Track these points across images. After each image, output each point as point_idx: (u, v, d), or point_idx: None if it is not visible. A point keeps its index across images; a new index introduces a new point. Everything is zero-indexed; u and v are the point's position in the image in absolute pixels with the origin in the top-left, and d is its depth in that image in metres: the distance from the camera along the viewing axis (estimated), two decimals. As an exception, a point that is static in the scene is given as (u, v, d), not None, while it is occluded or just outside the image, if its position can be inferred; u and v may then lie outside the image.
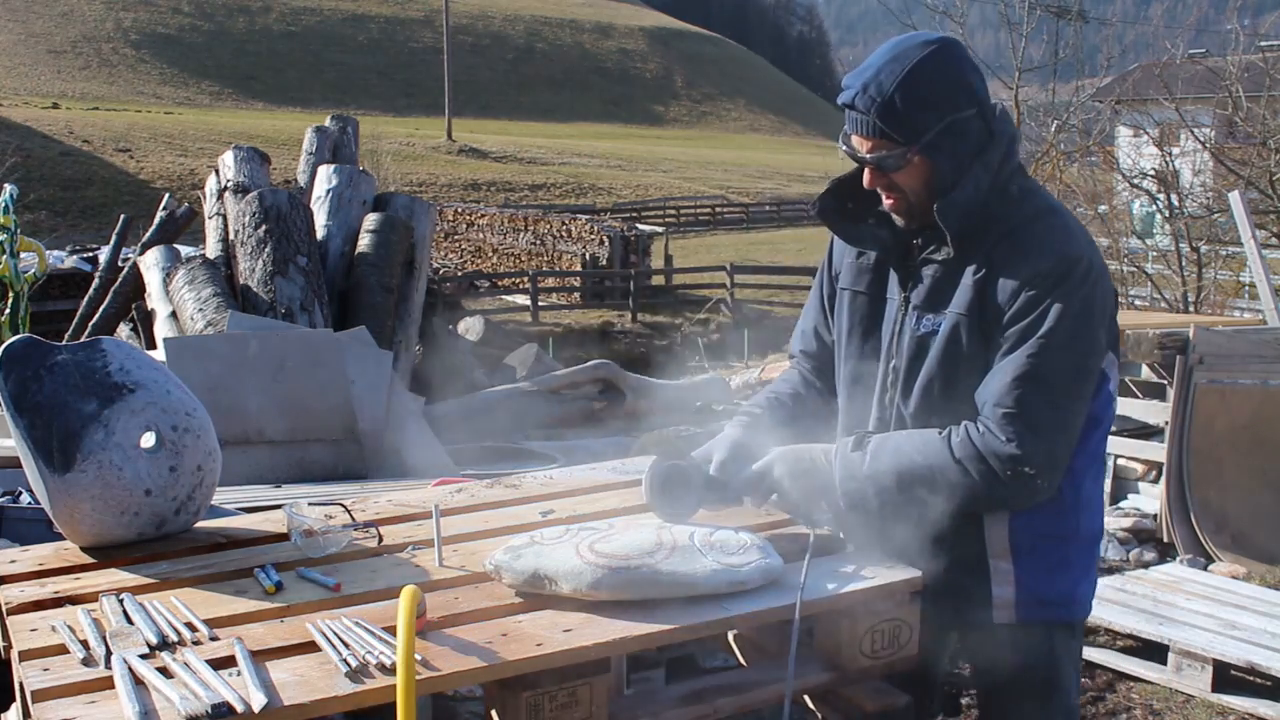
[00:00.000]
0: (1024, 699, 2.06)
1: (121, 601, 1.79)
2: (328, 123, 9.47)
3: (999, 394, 1.88)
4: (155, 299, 7.72)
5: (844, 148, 2.00)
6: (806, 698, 1.98)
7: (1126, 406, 5.90)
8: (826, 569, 1.96)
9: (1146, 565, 5.23)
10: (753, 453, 2.10)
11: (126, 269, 8.69)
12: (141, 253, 8.52)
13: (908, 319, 2.03)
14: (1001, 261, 1.92)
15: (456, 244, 26.36)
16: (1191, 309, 10.88)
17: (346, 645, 1.62)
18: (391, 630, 1.61)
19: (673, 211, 36.80)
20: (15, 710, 1.77)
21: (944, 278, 1.98)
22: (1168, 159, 12.20)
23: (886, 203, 2.01)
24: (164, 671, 1.55)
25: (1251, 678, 3.91)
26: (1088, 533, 2.06)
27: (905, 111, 1.89)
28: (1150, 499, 5.75)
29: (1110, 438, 6.42)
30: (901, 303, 2.05)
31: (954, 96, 1.93)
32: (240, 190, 8.16)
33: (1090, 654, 4.27)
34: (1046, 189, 2.11)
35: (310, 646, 1.65)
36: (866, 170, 1.99)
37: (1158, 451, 5.63)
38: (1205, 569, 5.08)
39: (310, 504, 2.21)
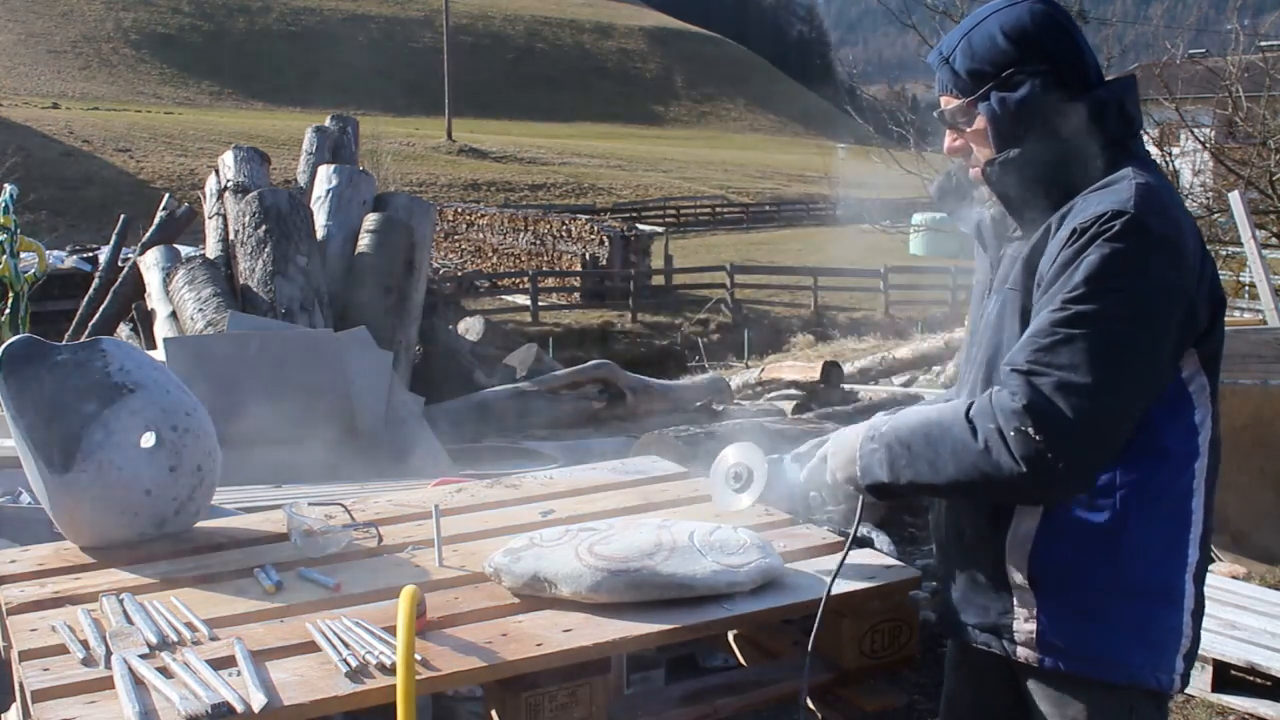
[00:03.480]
0: None
1: (121, 601, 1.79)
2: (328, 123, 9.47)
3: (1013, 352, 1.66)
4: (155, 299, 7.73)
5: (936, 114, 1.93)
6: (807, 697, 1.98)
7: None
8: (825, 569, 1.96)
9: (1146, 565, 5.22)
10: None
11: (126, 269, 8.69)
12: (141, 253, 8.52)
13: (990, 301, 1.88)
14: (1053, 232, 1.72)
15: (456, 244, 26.37)
16: (1192, 309, 10.85)
17: (346, 645, 1.62)
18: (391, 630, 1.61)
19: (673, 211, 36.81)
20: (15, 710, 1.77)
21: (1016, 257, 1.81)
22: (1168, 159, 12.19)
23: (971, 172, 1.90)
24: (164, 671, 1.55)
25: (1251, 678, 3.91)
26: (1137, 587, 1.72)
27: (964, 62, 1.82)
28: (1150, 499, 5.74)
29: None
30: (990, 284, 1.92)
31: (1019, 50, 1.77)
32: (240, 190, 8.16)
33: (1090, 654, 4.26)
34: (1156, 164, 1.84)
35: (310, 646, 1.65)
36: (946, 134, 1.91)
37: (1158, 451, 5.62)
38: (1205, 569, 5.08)
39: (310, 504, 2.21)
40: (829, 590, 1.83)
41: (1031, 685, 1.80)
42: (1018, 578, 1.76)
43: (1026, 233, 1.80)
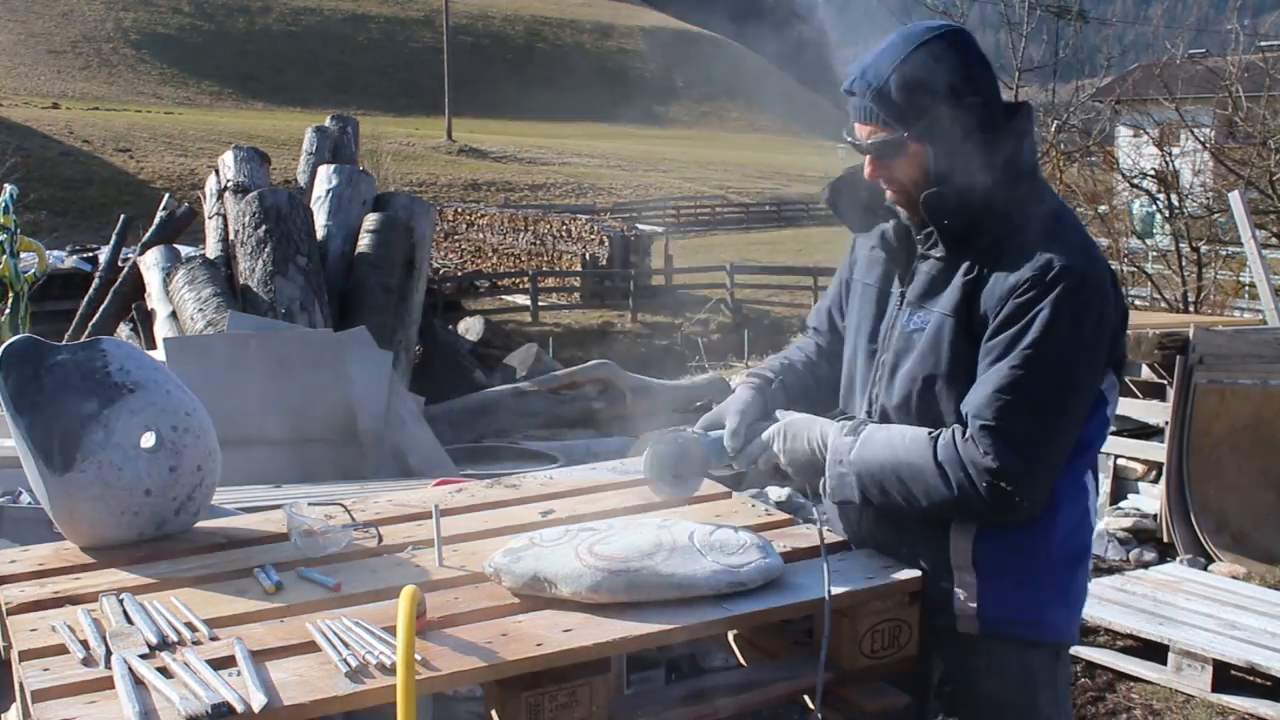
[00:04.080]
0: (999, 716, 1.97)
1: (121, 601, 1.79)
2: (328, 123, 9.47)
3: (980, 405, 1.83)
4: (155, 299, 7.73)
5: (847, 138, 1.98)
6: (806, 697, 1.98)
7: (1126, 406, 5.89)
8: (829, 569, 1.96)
9: (1146, 565, 5.23)
10: (761, 417, 2.12)
11: (126, 269, 8.69)
12: (141, 253, 8.52)
13: (900, 314, 2.01)
14: (993, 264, 1.87)
15: (456, 244, 26.36)
16: (1191, 309, 10.87)
17: (346, 645, 1.62)
18: (391, 630, 1.60)
19: (673, 211, 36.78)
20: (15, 710, 1.77)
21: (937, 275, 1.95)
22: (1168, 159, 12.19)
23: (889, 195, 1.99)
24: (164, 671, 1.55)
25: (1251, 678, 3.91)
26: (1062, 556, 1.97)
27: (901, 95, 1.86)
28: (1150, 499, 5.75)
29: (1110, 438, 6.37)
30: (898, 297, 2.03)
31: (954, 83, 1.86)
32: (240, 190, 8.16)
33: (1090, 654, 4.27)
34: (1057, 194, 2.04)
35: (310, 646, 1.65)
36: (867, 160, 1.97)
37: (1158, 451, 5.63)
38: (1205, 569, 5.08)
39: (310, 504, 2.21)
40: (828, 594, 1.84)
41: (966, 651, 1.97)
42: (961, 562, 1.95)
43: (955, 255, 1.92)
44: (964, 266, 1.90)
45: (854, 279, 2.16)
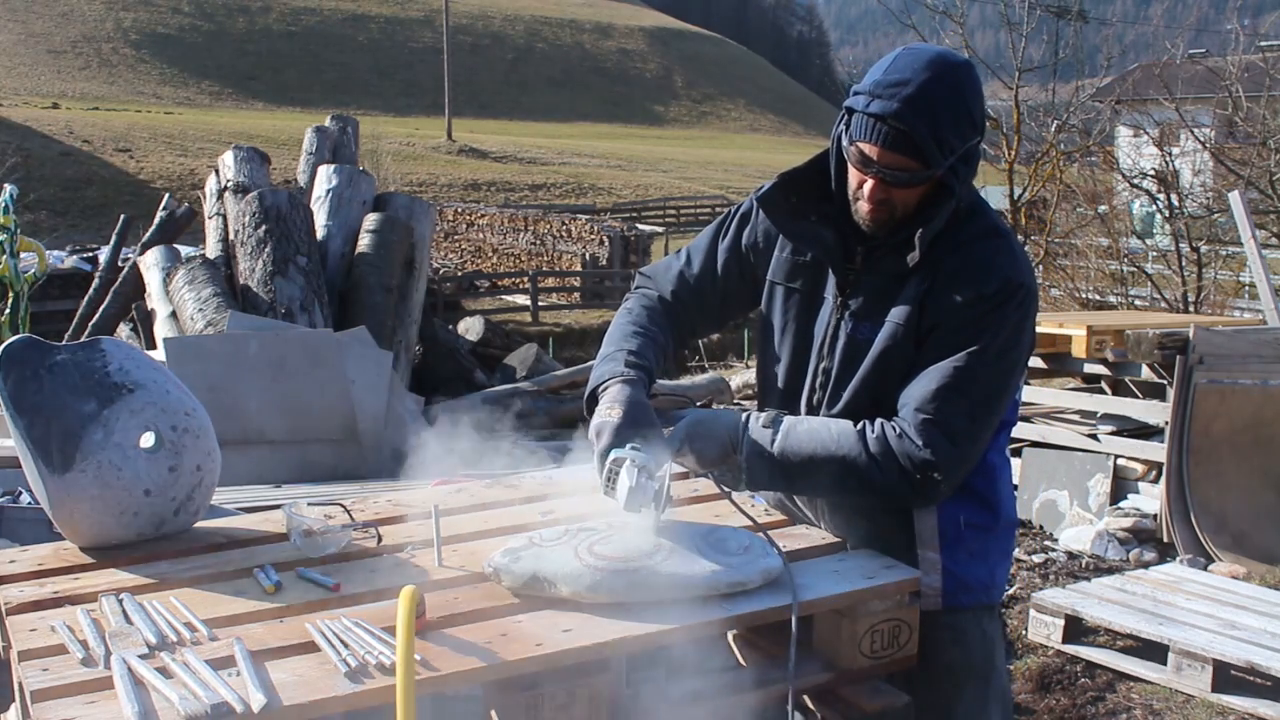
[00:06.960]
0: (965, 682, 2.10)
1: (121, 601, 1.79)
2: (328, 123, 9.48)
3: (921, 399, 1.92)
4: (155, 299, 7.73)
5: (852, 151, 1.95)
6: (806, 698, 1.98)
7: (1127, 406, 5.90)
8: (825, 569, 1.96)
9: (1146, 565, 5.23)
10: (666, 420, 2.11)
11: (126, 269, 8.71)
12: (141, 253, 8.53)
13: (843, 324, 2.04)
14: (948, 277, 1.95)
15: (456, 244, 26.37)
16: (1191, 309, 10.87)
17: (346, 645, 1.62)
18: (391, 630, 1.60)
19: (673, 211, 36.81)
20: (15, 710, 1.77)
21: (886, 288, 2.00)
22: (1168, 159, 12.19)
23: (867, 208, 1.97)
24: (164, 671, 1.55)
25: (1251, 678, 3.91)
26: (1005, 522, 2.15)
27: (945, 135, 1.88)
28: (1150, 499, 5.74)
29: (1110, 438, 6.33)
30: (837, 306, 2.05)
31: (979, 122, 1.95)
32: (240, 190, 8.17)
33: (1090, 654, 4.27)
34: (993, 209, 2.15)
35: (310, 646, 1.65)
36: (870, 179, 1.95)
37: (1158, 451, 5.63)
38: (1205, 569, 5.08)
39: (310, 504, 2.21)
40: (795, 596, 1.83)
41: (928, 628, 2.00)
42: (927, 541, 2.06)
43: (913, 269, 1.97)
44: (916, 279, 1.97)
45: (772, 282, 2.16)
